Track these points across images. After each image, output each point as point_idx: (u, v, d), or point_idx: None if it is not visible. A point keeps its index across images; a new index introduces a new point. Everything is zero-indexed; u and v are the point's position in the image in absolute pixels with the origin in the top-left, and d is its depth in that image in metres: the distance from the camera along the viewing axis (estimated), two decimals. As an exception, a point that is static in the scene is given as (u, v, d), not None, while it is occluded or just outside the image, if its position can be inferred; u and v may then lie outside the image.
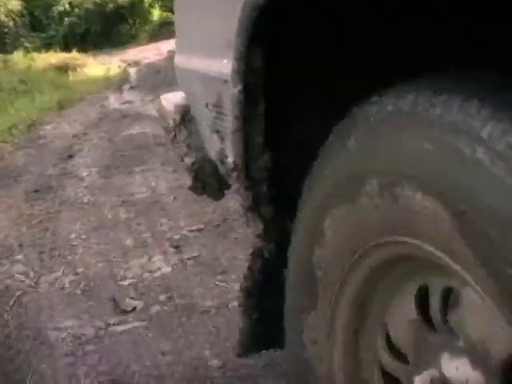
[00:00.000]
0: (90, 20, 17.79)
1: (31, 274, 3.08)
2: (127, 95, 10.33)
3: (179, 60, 1.76)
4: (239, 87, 1.11)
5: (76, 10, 17.16)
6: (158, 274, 2.88)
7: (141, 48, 17.41)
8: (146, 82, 11.65)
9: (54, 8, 17.56)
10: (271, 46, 1.09)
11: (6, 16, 16.58)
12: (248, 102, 1.12)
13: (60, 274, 3.04)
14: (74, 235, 3.56)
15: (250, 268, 1.33)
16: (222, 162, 1.36)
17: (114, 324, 2.46)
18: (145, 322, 2.45)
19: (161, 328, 2.39)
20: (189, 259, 2.99)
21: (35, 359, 2.30)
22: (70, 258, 3.22)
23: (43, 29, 17.77)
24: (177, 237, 3.28)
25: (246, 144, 1.16)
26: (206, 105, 1.38)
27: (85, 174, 5.02)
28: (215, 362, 2.10)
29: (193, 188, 1.63)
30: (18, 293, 2.87)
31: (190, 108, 1.61)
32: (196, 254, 3.03)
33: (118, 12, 18.14)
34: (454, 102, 0.80)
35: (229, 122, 1.22)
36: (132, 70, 13.96)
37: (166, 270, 2.91)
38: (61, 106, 9.53)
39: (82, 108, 9.37)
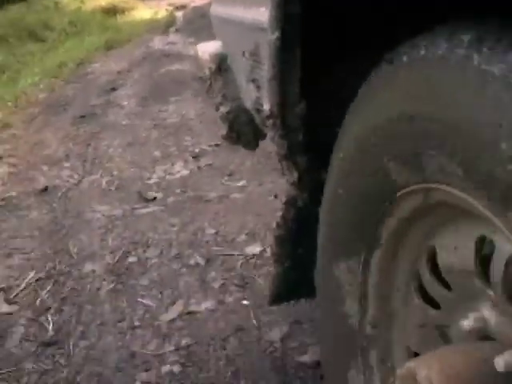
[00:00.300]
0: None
1: (75, 176, 3.83)
2: (172, 37, 10.93)
3: (215, 9, 1.81)
4: (277, 34, 1.10)
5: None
6: (177, 176, 3.59)
7: (189, -8, 17.94)
8: (191, 24, 12.17)
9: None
10: None
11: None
12: (285, 49, 1.11)
13: (98, 176, 3.78)
14: (111, 149, 4.30)
15: (283, 216, 1.36)
16: (258, 110, 1.37)
17: (137, 208, 3.19)
18: (162, 207, 3.16)
19: (173, 211, 3.10)
20: (204, 166, 3.68)
21: (76, 231, 3.03)
22: (107, 165, 3.96)
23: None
24: (197, 150, 3.98)
25: (283, 92, 1.16)
26: (243, 53, 1.39)
27: (125, 103, 5.75)
28: (210, 231, 2.79)
29: (227, 137, 1.67)
30: (64, 189, 3.62)
31: (227, 57, 1.63)
32: (210, 162, 3.72)
33: (167, -45, 18.66)
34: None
35: (265, 71, 1.21)
36: (179, 14, 14.44)
37: (184, 173, 3.61)
38: (108, 47, 10.23)
39: (128, 48, 10.05)
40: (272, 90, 1.17)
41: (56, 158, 4.25)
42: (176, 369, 1.93)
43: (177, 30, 11.78)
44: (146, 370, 1.95)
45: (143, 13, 15.19)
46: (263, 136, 1.58)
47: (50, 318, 2.31)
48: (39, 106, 6.08)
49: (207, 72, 1.66)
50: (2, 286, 2.57)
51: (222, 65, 1.63)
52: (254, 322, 2.11)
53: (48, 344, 2.16)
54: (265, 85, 1.23)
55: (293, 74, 1.14)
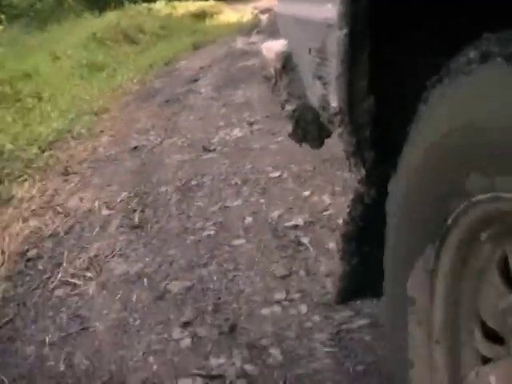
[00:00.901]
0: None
1: (158, 139, 5.25)
2: (253, 38, 12.31)
3: (281, 7, 1.88)
4: (345, 30, 1.13)
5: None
6: (233, 136, 4.93)
7: (274, -4, 19.37)
8: (273, 26, 13.49)
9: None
10: None
11: (151, -34, 19.24)
12: (353, 45, 1.14)
13: (176, 139, 5.17)
14: (187, 122, 5.70)
15: (350, 213, 1.39)
16: (324, 108, 1.39)
17: (201, 155, 4.55)
18: (218, 154, 4.51)
19: (226, 156, 4.43)
20: (255, 130, 5.00)
21: (156, 170, 4.41)
22: (183, 132, 5.35)
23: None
24: (252, 120, 5.31)
25: (351, 88, 1.19)
26: (309, 51, 1.42)
27: (203, 90, 7.19)
28: (249, 166, 4.10)
29: (293, 135, 1.74)
30: (150, 147, 5.04)
31: (292, 55, 1.69)
32: (260, 127, 5.03)
33: (254, -40, 20.25)
34: None
35: (332, 68, 1.24)
36: (263, 17, 15.78)
37: (239, 134, 4.95)
38: (195, 47, 11.78)
39: (213, 48, 11.54)
40: (340, 87, 1.20)
41: (144, 129, 5.69)
42: (212, 233, 3.23)
43: (259, 32, 13.11)
44: (193, 235, 3.26)
45: (230, 16, 16.74)
46: (328, 134, 1.65)
47: (136, 216, 3.66)
48: (132, 96, 7.62)
49: (272, 70, 1.74)
50: (105, 200, 3.97)
51: (287, 63, 1.69)
52: (265, 208, 3.40)
53: (134, 227, 3.51)
54: (332, 82, 1.26)
55: (361, 69, 1.17)
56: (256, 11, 16.72)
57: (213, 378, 2.11)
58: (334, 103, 1.26)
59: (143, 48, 12.02)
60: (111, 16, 14.60)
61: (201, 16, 16.34)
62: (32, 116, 6.28)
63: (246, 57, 9.32)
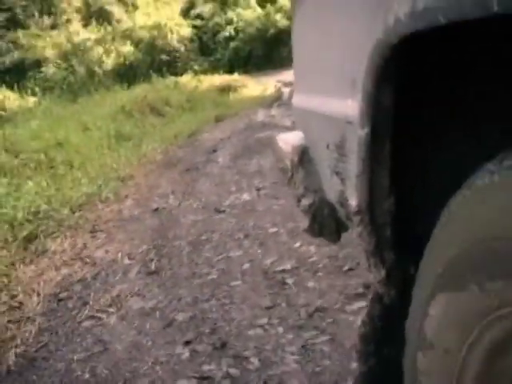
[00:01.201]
0: (252, 44, 21.36)
1: (177, 202, 6.03)
2: (274, 111, 13.23)
3: (298, 100, 1.92)
4: (366, 129, 1.13)
5: (240, 35, 20.73)
6: (242, 200, 5.69)
7: (298, 69, 20.51)
8: (294, 99, 14.44)
9: (221, 34, 21.32)
10: (399, 85, 1.11)
11: (178, 42, 20.63)
12: (375, 143, 1.14)
13: (192, 202, 5.94)
14: (203, 188, 6.49)
15: (368, 314, 1.41)
16: (342, 204, 1.40)
17: (212, 216, 5.30)
18: (228, 215, 5.25)
19: (234, 216, 5.17)
20: (263, 194, 5.76)
21: (173, 228, 5.15)
22: (198, 196, 6.12)
23: (210, 53, 21.61)
24: (260, 186, 6.08)
25: (371, 187, 1.19)
26: (327, 146, 1.44)
27: (220, 159, 8.04)
28: (251, 223, 4.83)
29: (309, 230, 1.75)
30: (168, 209, 5.81)
31: (309, 148, 1.71)
32: (267, 191, 5.79)
33: (278, 36, 21.49)
34: None
35: (351, 164, 1.26)
36: (286, 90, 16.74)
37: (248, 198, 5.71)
38: (217, 120, 12.73)
39: (234, 120, 12.47)
40: (360, 186, 1.21)
41: (165, 193, 6.49)
42: (215, 277, 3.94)
43: (280, 105, 14.06)
44: (200, 278, 3.97)
45: (253, 89, 17.79)
46: (346, 229, 1.63)
47: (152, 264, 4.39)
48: (156, 164, 8.47)
49: (289, 164, 1.76)
50: (128, 252, 4.71)
51: (304, 157, 1.71)
52: (260, 256, 4.11)
53: (151, 273, 4.23)
54: (351, 178, 1.26)
55: (383, 168, 1.17)
56: (279, 84, 17.70)
57: (204, 378, 2.78)
58: (354, 202, 1.27)
59: (168, 120, 13.02)
60: (139, 89, 15.77)
61: (225, 89, 17.40)
62: (64, 181, 7.12)
63: (265, 129, 10.17)
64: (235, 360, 2.88)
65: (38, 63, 19.79)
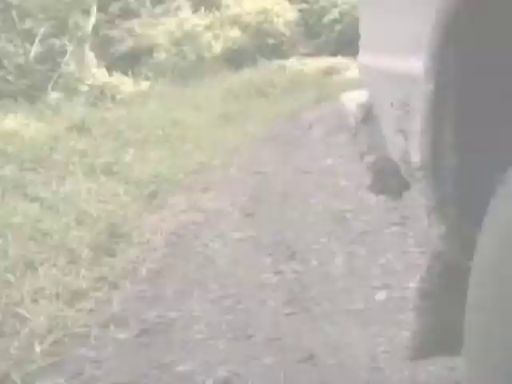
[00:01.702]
0: (357, 27, 22.15)
1: (272, 167, 7.40)
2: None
3: (363, 58, 2.02)
4: (431, 85, 1.15)
5: (345, 18, 21.67)
6: (327, 164, 7.00)
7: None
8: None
9: (326, 17, 22.39)
10: (466, 43, 1.13)
11: (284, 26, 21.92)
12: (440, 100, 1.16)
13: (285, 167, 7.30)
14: (297, 156, 7.84)
15: (428, 270, 1.43)
16: (405, 161, 1.43)
17: (301, 176, 6.63)
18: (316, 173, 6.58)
19: (318, 176, 6.50)
20: (343, 159, 7.05)
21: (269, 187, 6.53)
22: (291, 162, 7.48)
23: (316, 36, 22.71)
24: (343, 153, 7.37)
25: (435, 143, 1.21)
26: (391, 104, 1.47)
27: (314, 134, 9.36)
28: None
29: (372, 187, 1.81)
30: (266, 173, 7.19)
31: (372, 106, 1.78)
32: (349, 158, 7.09)
33: (383, 18, 22.16)
34: None
35: (415, 122, 1.28)
36: (387, 72, 17.70)
37: (330, 163, 7.01)
38: (317, 101, 13.93)
39: (332, 101, 13.64)
40: (424, 142, 1.22)
41: (264, 160, 7.90)
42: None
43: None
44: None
45: (355, 72, 18.72)
46: (407, 187, 1.68)
47: (249, 209, 5.77)
48: (258, 138, 9.89)
49: (353, 121, 1.83)
50: (231, 202, 6.11)
51: (367, 114, 1.78)
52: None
53: (248, 215, 5.61)
54: (415, 136, 1.30)
55: (447, 125, 1.19)
56: (380, 66, 18.56)
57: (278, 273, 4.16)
58: (417, 158, 1.28)
59: (272, 101, 14.34)
60: (246, 72, 17.25)
61: (329, 72, 18.33)
62: (179, 153, 8.62)
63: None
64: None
65: (150, 50, 21.37)
